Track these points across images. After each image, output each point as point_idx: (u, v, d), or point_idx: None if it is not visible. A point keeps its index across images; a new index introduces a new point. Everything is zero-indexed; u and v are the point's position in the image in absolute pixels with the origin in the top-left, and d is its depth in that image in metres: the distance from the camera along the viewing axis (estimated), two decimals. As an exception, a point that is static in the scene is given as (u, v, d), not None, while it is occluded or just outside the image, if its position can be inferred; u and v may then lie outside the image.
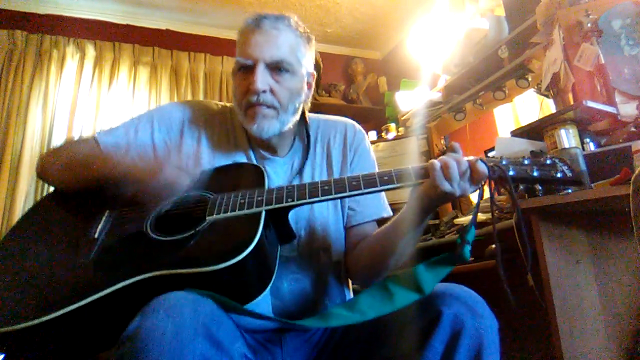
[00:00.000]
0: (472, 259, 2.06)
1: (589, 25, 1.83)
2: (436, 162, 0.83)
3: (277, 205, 0.86)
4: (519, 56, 2.36)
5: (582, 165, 1.54)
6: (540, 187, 0.85)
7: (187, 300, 0.69)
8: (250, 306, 0.80)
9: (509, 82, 2.53)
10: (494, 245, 1.94)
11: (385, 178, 0.86)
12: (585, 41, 1.83)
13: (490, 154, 2.49)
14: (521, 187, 0.86)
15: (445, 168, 0.82)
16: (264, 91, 0.99)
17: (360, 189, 0.86)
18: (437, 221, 2.56)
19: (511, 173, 0.83)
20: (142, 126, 1.08)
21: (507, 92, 2.57)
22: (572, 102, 1.85)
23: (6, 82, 2.82)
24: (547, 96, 2.17)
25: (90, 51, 3.08)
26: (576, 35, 1.87)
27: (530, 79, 2.40)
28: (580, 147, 1.68)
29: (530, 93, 2.47)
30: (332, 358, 0.96)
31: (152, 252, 0.85)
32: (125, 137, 1.07)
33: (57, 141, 2.85)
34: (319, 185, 0.88)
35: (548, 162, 0.86)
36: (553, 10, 1.99)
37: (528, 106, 2.56)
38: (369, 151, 1.17)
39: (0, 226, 2.61)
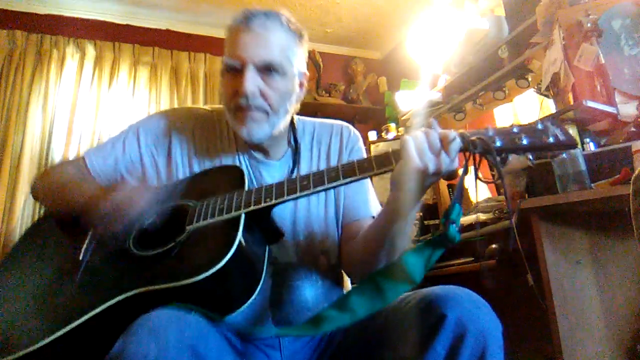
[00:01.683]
0: (472, 259, 2.05)
1: (589, 25, 1.83)
2: (406, 136, 0.78)
3: (255, 207, 0.83)
4: (519, 56, 2.36)
5: (582, 166, 1.54)
6: (531, 158, 0.80)
7: (171, 319, 0.68)
8: (250, 320, 0.79)
9: (509, 82, 2.53)
10: (494, 245, 1.94)
11: (365, 165, 0.81)
12: (585, 41, 1.83)
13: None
14: (510, 157, 0.79)
15: (415, 139, 0.77)
16: (254, 94, 0.96)
17: (340, 179, 0.81)
18: (436, 221, 2.56)
19: (498, 144, 0.77)
20: (128, 141, 1.07)
21: (507, 92, 2.57)
22: (572, 102, 1.85)
23: (6, 82, 2.82)
24: (547, 96, 2.17)
25: (90, 51, 3.08)
26: (576, 35, 1.87)
27: (530, 79, 2.40)
28: (580, 147, 1.68)
29: (530, 93, 2.47)
30: None
31: (133, 268, 0.83)
32: (112, 154, 1.06)
33: (57, 141, 2.86)
34: (298, 180, 0.85)
35: (539, 126, 0.79)
36: (553, 10, 1.99)
37: (528, 106, 2.55)
38: (364, 153, 1.15)
39: (0, 226, 2.61)
